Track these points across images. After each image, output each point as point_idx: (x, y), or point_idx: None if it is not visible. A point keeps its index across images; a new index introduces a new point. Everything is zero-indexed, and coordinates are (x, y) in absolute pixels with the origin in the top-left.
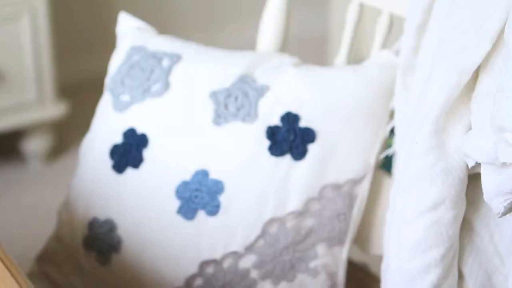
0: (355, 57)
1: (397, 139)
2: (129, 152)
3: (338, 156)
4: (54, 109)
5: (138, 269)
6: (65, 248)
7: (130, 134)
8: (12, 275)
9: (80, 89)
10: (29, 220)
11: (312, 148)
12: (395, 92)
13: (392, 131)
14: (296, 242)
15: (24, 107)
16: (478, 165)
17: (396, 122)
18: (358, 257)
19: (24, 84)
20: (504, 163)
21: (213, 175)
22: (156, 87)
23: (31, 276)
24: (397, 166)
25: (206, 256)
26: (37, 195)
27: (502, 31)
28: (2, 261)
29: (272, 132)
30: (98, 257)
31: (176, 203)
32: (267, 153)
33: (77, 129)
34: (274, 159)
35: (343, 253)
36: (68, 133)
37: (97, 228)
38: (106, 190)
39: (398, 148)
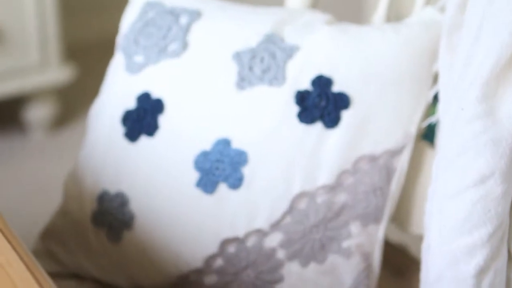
0: (395, 15)
1: (441, 106)
2: (143, 118)
3: (374, 125)
4: (59, 73)
5: (151, 248)
6: (72, 224)
7: (144, 99)
8: (14, 248)
9: (88, 51)
10: (32, 195)
11: (346, 115)
12: (440, 53)
13: (435, 97)
14: (328, 219)
15: (26, 71)
16: None
17: (440, 87)
18: (396, 237)
19: (26, 45)
20: None
21: (236, 144)
22: (173, 46)
23: (34, 254)
24: (441, 136)
25: (228, 234)
26: (40, 168)
27: None
28: (2, 233)
29: (301, 97)
30: (109, 234)
31: (195, 175)
32: (296, 120)
33: (85, 95)
34: (303, 127)
35: (379, 232)
36: (75, 100)
37: (107, 202)
38: (117, 161)
39: (442, 116)
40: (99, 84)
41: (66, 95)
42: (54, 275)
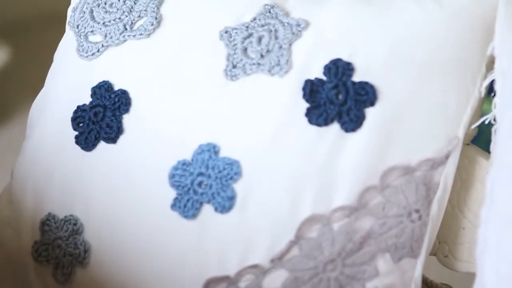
0: None
1: (498, 101)
2: (102, 118)
3: (409, 126)
4: None
5: None
6: (6, 259)
7: (104, 92)
8: None
9: (27, 29)
10: None
11: (371, 113)
12: (496, 31)
13: (490, 89)
14: (347, 252)
15: None
16: None
17: (497, 76)
18: (438, 276)
19: None
20: None
21: (225, 152)
22: (141, 22)
23: None
24: (499, 141)
25: (215, 272)
26: None
27: None
28: None
29: (312, 89)
30: (56, 273)
31: (170, 194)
32: (304, 120)
33: (22, 86)
34: (315, 129)
35: (416, 269)
36: (9, 92)
37: (54, 230)
38: (67, 175)
39: (501, 114)
40: (43, 72)
41: None
42: None
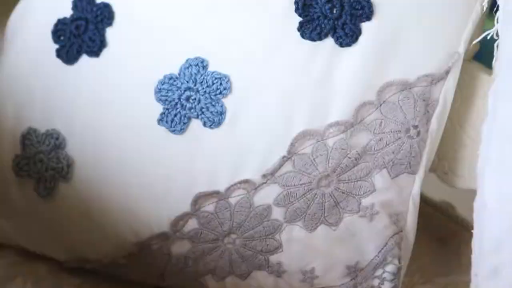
0: None
1: (501, 16)
2: (84, 31)
3: (407, 41)
4: None
5: (98, 206)
6: None
7: (85, 4)
8: None
9: None
10: None
11: (367, 27)
12: None
13: (493, 4)
14: (342, 168)
15: None
16: None
17: None
18: (438, 194)
19: None
20: None
21: (214, 66)
22: None
23: None
24: (501, 56)
25: (204, 187)
26: None
27: None
28: None
29: (305, 3)
30: (38, 188)
31: (156, 109)
32: (296, 35)
33: None
34: (308, 44)
35: (414, 185)
36: None
37: (35, 145)
38: (48, 89)
39: (504, 28)
40: None
41: None
42: None
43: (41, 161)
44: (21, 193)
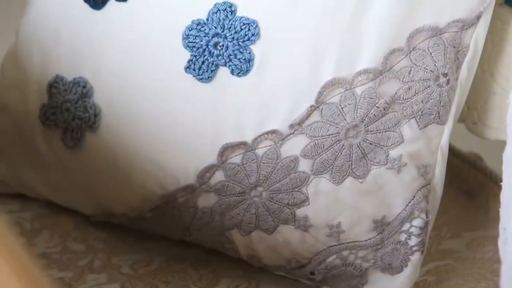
0: None
1: None
2: None
3: None
4: None
5: (124, 157)
6: (12, 124)
7: None
8: None
9: None
10: None
11: None
12: None
13: None
14: (370, 118)
15: None
16: None
17: None
18: (467, 145)
19: None
20: None
21: (243, 11)
22: None
23: None
24: None
25: (231, 138)
26: None
27: None
28: None
29: None
30: (65, 138)
31: (183, 56)
32: None
33: None
34: None
35: (443, 136)
36: None
37: (62, 93)
38: (75, 35)
39: None
40: None
41: None
42: None
43: (68, 110)
44: (47, 144)
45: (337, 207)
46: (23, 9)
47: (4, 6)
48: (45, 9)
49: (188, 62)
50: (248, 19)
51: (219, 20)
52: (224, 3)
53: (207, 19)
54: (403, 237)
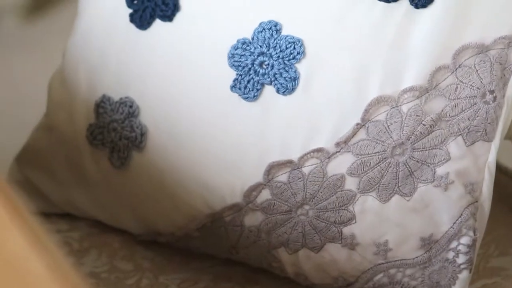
0: None
1: None
2: None
3: (483, 1)
4: None
5: (171, 177)
6: (60, 143)
7: None
8: None
9: None
10: (3, 103)
11: None
12: None
13: None
14: (417, 136)
15: None
16: None
17: None
18: None
19: None
20: None
21: (288, 30)
22: None
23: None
24: None
25: (277, 156)
26: (14, 67)
27: None
28: None
29: None
30: (112, 157)
31: (229, 75)
32: None
33: None
34: (382, 6)
35: (490, 153)
36: None
37: (109, 113)
38: (121, 55)
39: None
40: None
41: None
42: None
43: (115, 130)
44: (95, 164)
45: (384, 225)
46: (70, 30)
47: (51, 27)
48: (91, 30)
49: (234, 81)
50: (293, 37)
51: (265, 39)
52: (270, 21)
53: (253, 38)
54: (451, 255)
